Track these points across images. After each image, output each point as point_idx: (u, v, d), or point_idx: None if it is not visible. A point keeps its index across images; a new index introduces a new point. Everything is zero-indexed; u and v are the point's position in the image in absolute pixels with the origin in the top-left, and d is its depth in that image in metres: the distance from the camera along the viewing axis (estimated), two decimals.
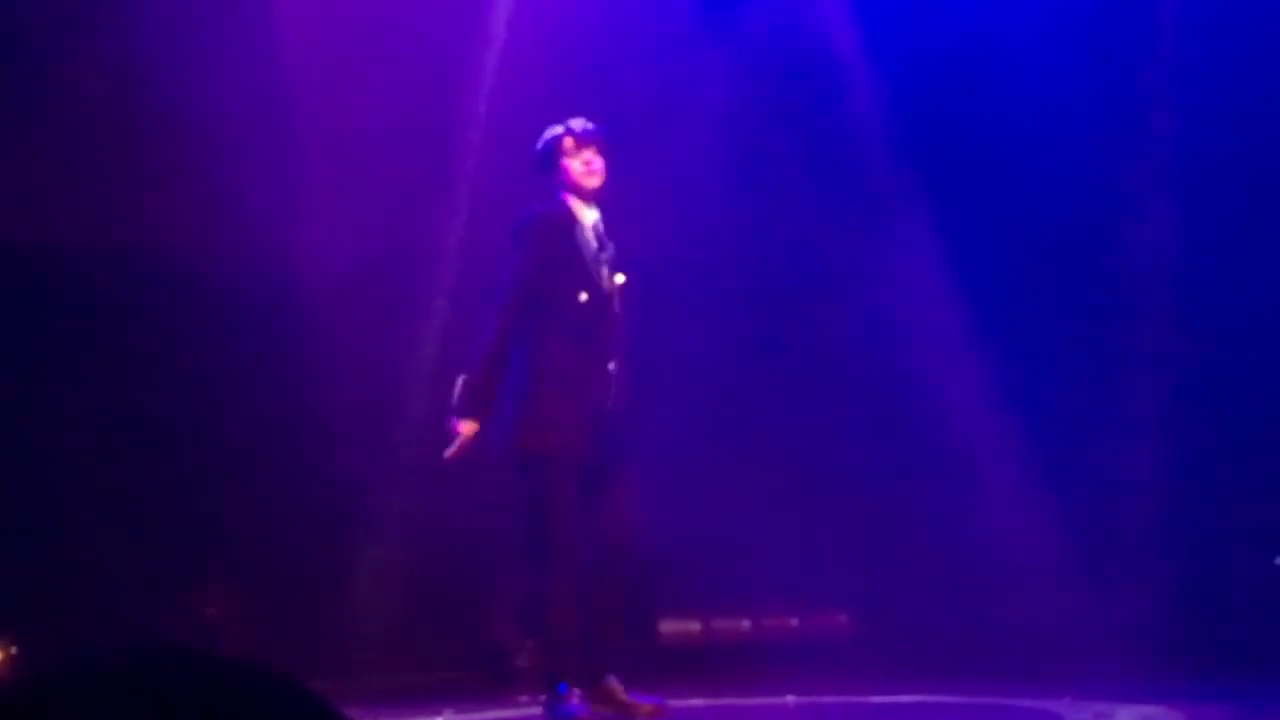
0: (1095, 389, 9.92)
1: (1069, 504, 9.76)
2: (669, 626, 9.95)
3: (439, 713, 7.49)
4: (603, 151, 6.68)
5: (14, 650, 8.78)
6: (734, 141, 9.99)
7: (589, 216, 6.67)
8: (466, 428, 6.49)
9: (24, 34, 9.13)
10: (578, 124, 6.70)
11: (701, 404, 9.90)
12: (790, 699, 7.32)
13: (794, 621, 10.16)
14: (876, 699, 7.43)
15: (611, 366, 6.55)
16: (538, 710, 6.75)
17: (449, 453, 6.53)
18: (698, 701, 7.31)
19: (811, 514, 9.93)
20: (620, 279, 6.64)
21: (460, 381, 6.53)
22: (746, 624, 9.97)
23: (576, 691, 6.45)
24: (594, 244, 6.64)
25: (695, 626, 9.96)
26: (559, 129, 6.71)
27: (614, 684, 6.53)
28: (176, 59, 9.05)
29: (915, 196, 10.14)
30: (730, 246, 10.07)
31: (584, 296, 6.54)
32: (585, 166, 6.65)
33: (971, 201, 9.94)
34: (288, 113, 9.54)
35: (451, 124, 9.86)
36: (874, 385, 9.95)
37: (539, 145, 6.75)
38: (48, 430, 9.25)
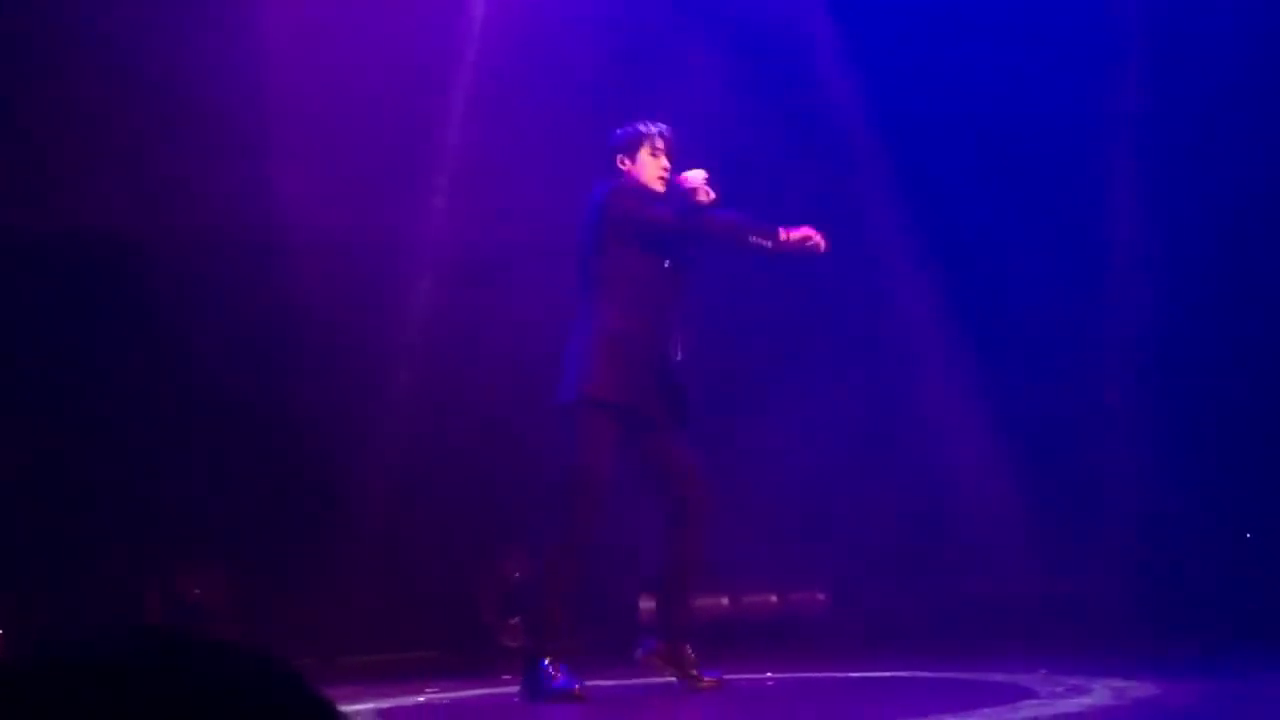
0: (1066, 369, 10.01)
1: (1042, 482, 9.85)
2: (649, 604, 10.00)
3: (423, 691, 7.54)
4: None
5: None
6: (714, 125, 10.03)
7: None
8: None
9: None
10: (669, 132, 6.87)
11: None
12: (769, 676, 7.39)
13: (773, 599, 10.23)
14: (854, 675, 7.50)
15: (673, 334, 6.70)
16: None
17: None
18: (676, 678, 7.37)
19: (790, 493, 10.00)
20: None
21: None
22: (725, 601, 10.04)
23: (561, 665, 6.54)
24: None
25: None
26: (658, 126, 6.87)
27: (688, 651, 6.73)
28: (154, 37, 9.06)
29: (891, 183, 10.21)
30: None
31: (667, 264, 6.71)
32: (664, 173, 6.82)
33: (945, 185, 10.01)
34: (267, 89, 9.53)
35: (433, 100, 9.87)
36: (848, 368, 10.01)
37: (631, 129, 6.88)
38: (30, 412, 9.28)
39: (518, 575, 9.81)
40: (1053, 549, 9.69)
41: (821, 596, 10.28)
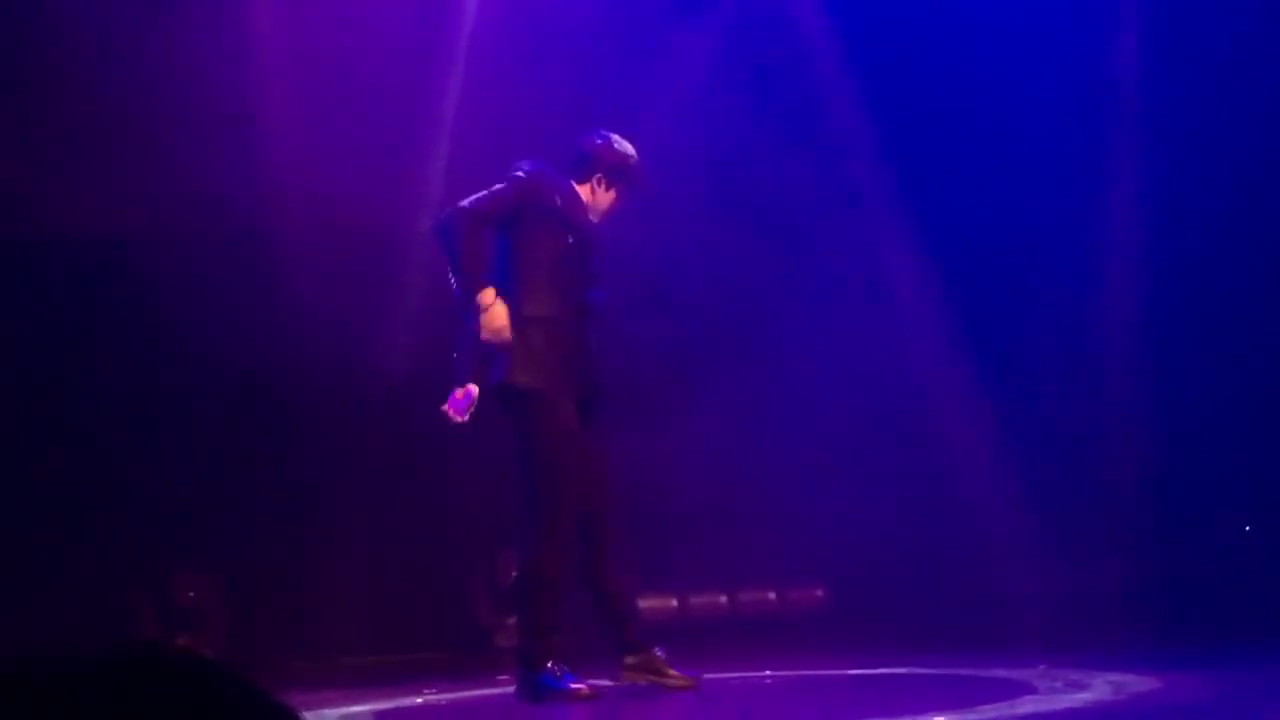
0: (1067, 365, 9.99)
1: (1042, 478, 9.83)
2: (646, 603, 9.99)
3: (420, 693, 7.52)
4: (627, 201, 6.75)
5: None
6: (705, 119, 10.01)
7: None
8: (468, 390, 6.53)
9: None
10: (640, 170, 6.72)
11: (677, 378, 9.94)
12: (768, 673, 7.37)
13: (771, 596, 10.21)
14: (853, 672, 7.48)
15: (587, 318, 6.61)
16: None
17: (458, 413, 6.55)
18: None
19: (787, 491, 9.99)
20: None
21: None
22: (723, 599, 10.02)
23: (561, 665, 6.50)
24: (585, 231, 6.69)
25: (672, 603, 10.00)
26: (633, 156, 6.71)
27: (658, 654, 6.63)
28: (148, 30, 9.04)
29: (883, 162, 10.18)
30: (699, 224, 10.11)
31: (570, 239, 6.58)
32: (608, 205, 6.70)
33: (941, 177, 9.98)
34: (260, 78, 9.49)
35: (427, 83, 9.84)
36: (850, 364, 9.99)
37: (604, 147, 6.70)
38: (23, 416, 9.25)
39: (514, 575, 9.78)
40: (1052, 545, 9.68)
41: (820, 593, 10.26)
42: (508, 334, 6.39)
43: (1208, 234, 9.69)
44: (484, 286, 6.38)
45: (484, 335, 6.39)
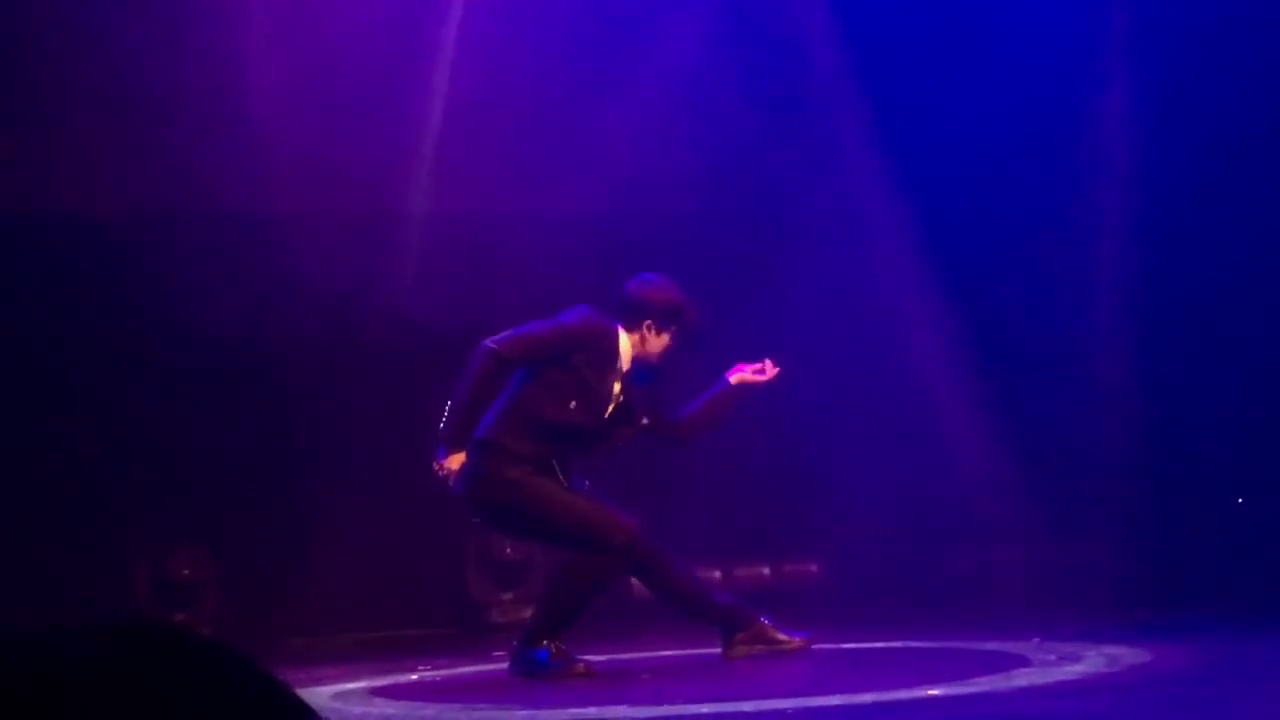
0: (1060, 339, 9.98)
1: (1035, 451, 9.84)
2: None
3: (415, 669, 7.54)
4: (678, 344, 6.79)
5: None
6: (694, 106, 9.98)
7: (626, 359, 6.72)
8: (455, 461, 6.58)
9: None
10: (694, 315, 6.77)
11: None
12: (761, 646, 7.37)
13: (765, 571, 10.22)
14: (848, 646, 7.50)
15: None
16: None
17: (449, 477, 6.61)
18: (669, 653, 7.37)
19: (781, 464, 9.99)
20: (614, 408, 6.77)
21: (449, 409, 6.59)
22: (717, 574, 10.02)
23: (558, 645, 6.57)
24: (616, 386, 6.70)
25: None
26: (683, 303, 6.75)
27: (765, 622, 6.89)
28: (145, 22, 9.02)
29: (871, 133, 10.17)
30: (687, 202, 10.10)
31: (574, 404, 6.60)
32: (660, 349, 6.72)
33: (934, 156, 9.97)
34: (255, 67, 9.47)
35: (418, 66, 9.81)
36: (843, 339, 9.98)
37: (652, 292, 6.72)
38: (20, 392, 9.24)
39: (509, 551, 9.79)
40: (1045, 517, 9.69)
41: (814, 567, 10.27)
42: (451, 477, 6.56)
43: (1202, 215, 9.67)
44: (460, 447, 6.52)
45: (440, 455, 6.56)
